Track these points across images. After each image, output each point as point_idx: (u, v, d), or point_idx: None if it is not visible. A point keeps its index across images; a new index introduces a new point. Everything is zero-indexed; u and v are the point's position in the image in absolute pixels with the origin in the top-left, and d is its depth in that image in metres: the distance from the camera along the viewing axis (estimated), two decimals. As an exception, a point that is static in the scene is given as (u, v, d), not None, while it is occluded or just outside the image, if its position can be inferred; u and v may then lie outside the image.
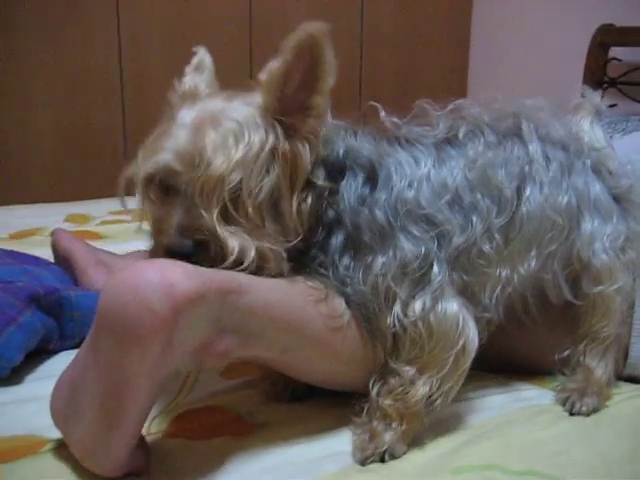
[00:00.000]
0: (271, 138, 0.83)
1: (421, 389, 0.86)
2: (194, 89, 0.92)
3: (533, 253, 0.96)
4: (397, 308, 0.86)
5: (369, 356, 0.89)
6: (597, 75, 2.41)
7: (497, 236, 0.91)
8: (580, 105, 1.11)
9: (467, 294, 0.91)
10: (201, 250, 0.81)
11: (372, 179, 0.89)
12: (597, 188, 1.03)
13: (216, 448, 0.88)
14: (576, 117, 1.09)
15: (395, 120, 0.96)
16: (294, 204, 0.85)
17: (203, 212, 0.81)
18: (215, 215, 0.81)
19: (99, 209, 2.05)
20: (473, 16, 2.99)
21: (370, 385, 0.88)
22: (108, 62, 2.43)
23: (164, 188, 0.84)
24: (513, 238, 0.93)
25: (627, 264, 1.03)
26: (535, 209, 0.95)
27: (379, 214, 0.87)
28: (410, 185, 0.89)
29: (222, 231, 0.81)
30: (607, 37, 2.39)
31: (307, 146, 0.85)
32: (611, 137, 1.41)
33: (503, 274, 0.93)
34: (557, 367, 1.06)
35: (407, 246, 0.86)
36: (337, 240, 0.89)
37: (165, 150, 0.83)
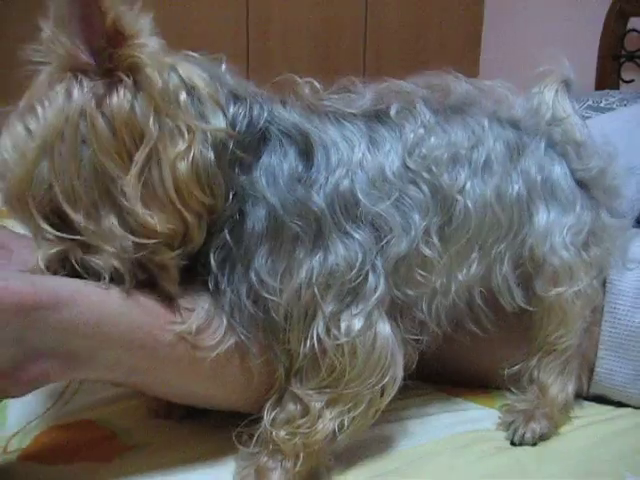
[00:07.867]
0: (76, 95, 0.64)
1: (328, 425, 0.69)
2: None
3: (474, 255, 0.78)
4: (319, 327, 0.68)
5: (262, 382, 0.72)
6: (614, 47, 2.20)
7: (435, 238, 0.74)
8: (546, 73, 0.91)
9: (398, 309, 0.74)
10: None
11: (306, 155, 0.71)
12: (556, 171, 0.84)
13: (72, 477, 0.73)
14: (539, 87, 0.90)
15: (316, 85, 0.78)
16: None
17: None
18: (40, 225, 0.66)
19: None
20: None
21: (265, 411, 0.71)
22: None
23: None
24: (449, 239, 0.76)
25: (590, 262, 0.85)
26: (476, 203, 0.76)
27: (317, 199, 0.69)
28: (347, 172, 0.71)
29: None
30: (627, 6, 2.17)
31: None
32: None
33: (438, 283, 0.76)
34: (508, 384, 0.89)
35: (340, 251, 0.69)
36: (256, 225, 0.69)
37: None
